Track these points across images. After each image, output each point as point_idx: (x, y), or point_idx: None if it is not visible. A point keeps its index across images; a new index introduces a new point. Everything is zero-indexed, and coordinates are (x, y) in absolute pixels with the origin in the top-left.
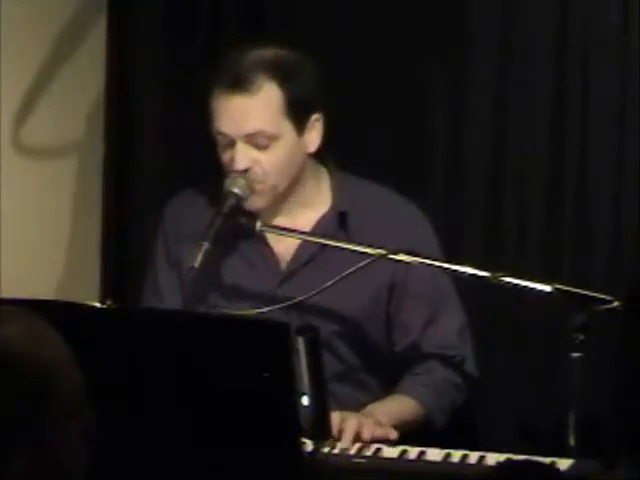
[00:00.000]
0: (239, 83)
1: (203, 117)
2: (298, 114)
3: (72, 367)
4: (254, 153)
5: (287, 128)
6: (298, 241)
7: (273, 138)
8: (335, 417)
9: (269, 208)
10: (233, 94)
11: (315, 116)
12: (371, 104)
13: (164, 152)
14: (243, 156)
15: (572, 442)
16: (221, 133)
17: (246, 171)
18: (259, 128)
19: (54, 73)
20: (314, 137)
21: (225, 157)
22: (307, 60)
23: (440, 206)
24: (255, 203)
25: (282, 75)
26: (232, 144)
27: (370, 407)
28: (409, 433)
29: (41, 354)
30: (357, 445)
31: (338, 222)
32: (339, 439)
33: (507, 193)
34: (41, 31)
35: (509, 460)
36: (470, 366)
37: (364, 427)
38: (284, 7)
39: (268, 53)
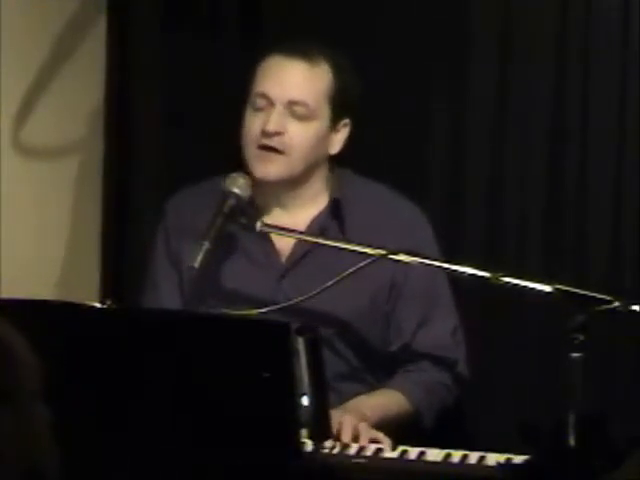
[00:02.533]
0: (301, 51)
1: (202, 117)
2: (337, 107)
3: (31, 352)
4: (289, 121)
5: (325, 113)
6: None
7: (312, 114)
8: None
9: (275, 201)
10: (292, 58)
11: (346, 121)
12: (371, 104)
13: (164, 152)
14: (278, 119)
15: (572, 442)
16: (263, 95)
17: (274, 135)
18: (304, 97)
19: (54, 73)
20: (338, 140)
21: (255, 121)
22: (355, 70)
23: (440, 206)
24: (268, 172)
25: (337, 66)
26: (270, 107)
27: (357, 400)
28: (396, 428)
29: (2, 336)
30: (357, 445)
31: (332, 211)
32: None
33: (507, 193)
34: (41, 31)
35: (508, 461)
36: (462, 368)
37: (361, 431)
38: (283, 8)
39: (327, 49)
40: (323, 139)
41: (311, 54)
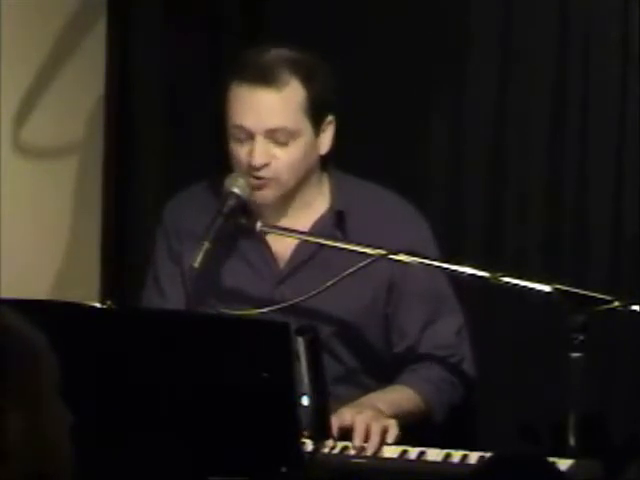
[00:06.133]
0: (265, 78)
1: (202, 117)
2: (317, 114)
3: (51, 353)
4: (273, 149)
5: (306, 127)
6: (297, 241)
7: (293, 135)
8: (346, 414)
9: (273, 207)
10: (258, 88)
11: (330, 118)
12: (371, 104)
13: (164, 152)
14: (262, 151)
15: (572, 442)
16: (241, 127)
17: (262, 167)
18: (282, 124)
19: (54, 73)
20: (327, 139)
21: (241, 152)
22: (323, 61)
23: (440, 206)
24: (264, 197)
25: (304, 74)
26: (250, 139)
27: (371, 396)
28: (409, 425)
29: (23, 336)
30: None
31: (335, 222)
32: (351, 436)
33: (507, 193)
34: (41, 31)
35: (497, 455)
36: (468, 367)
37: (372, 427)
38: (284, 7)
39: (288, 52)
40: (310, 150)
41: (275, 76)
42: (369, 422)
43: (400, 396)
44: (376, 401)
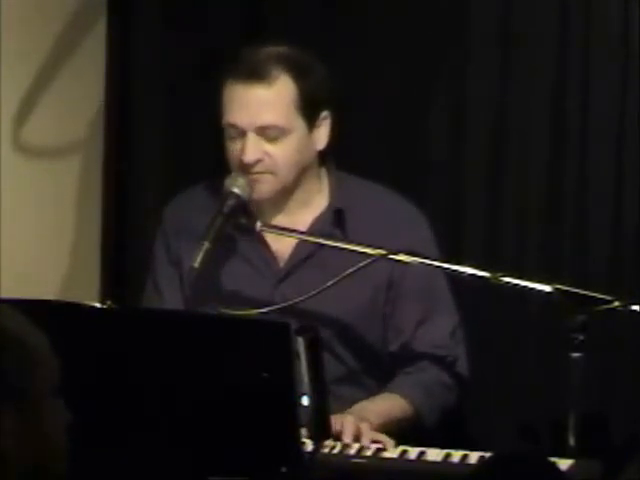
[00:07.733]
0: (256, 74)
1: (202, 117)
2: (310, 110)
3: (51, 354)
4: (264, 145)
5: (299, 123)
6: (296, 239)
7: (285, 132)
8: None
9: (272, 204)
10: (249, 85)
11: (324, 114)
12: (371, 104)
13: (164, 152)
14: (254, 148)
15: (572, 442)
16: (233, 125)
17: (255, 163)
18: (273, 121)
19: (54, 73)
20: (322, 135)
21: (234, 149)
22: (316, 58)
23: (440, 206)
24: (262, 192)
25: (297, 70)
26: (242, 136)
27: (359, 405)
28: (398, 431)
29: (23, 336)
30: (357, 445)
31: (334, 220)
32: (338, 440)
33: (507, 193)
34: (41, 31)
35: (497, 454)
36: (461, 367)
37: (363, 432)
38: (284, 7)
39: (281, 49)
40: (305, 145)
41: (266, 72)
42: (358, 422)
43: (389, 405)
44: (364, 411)
